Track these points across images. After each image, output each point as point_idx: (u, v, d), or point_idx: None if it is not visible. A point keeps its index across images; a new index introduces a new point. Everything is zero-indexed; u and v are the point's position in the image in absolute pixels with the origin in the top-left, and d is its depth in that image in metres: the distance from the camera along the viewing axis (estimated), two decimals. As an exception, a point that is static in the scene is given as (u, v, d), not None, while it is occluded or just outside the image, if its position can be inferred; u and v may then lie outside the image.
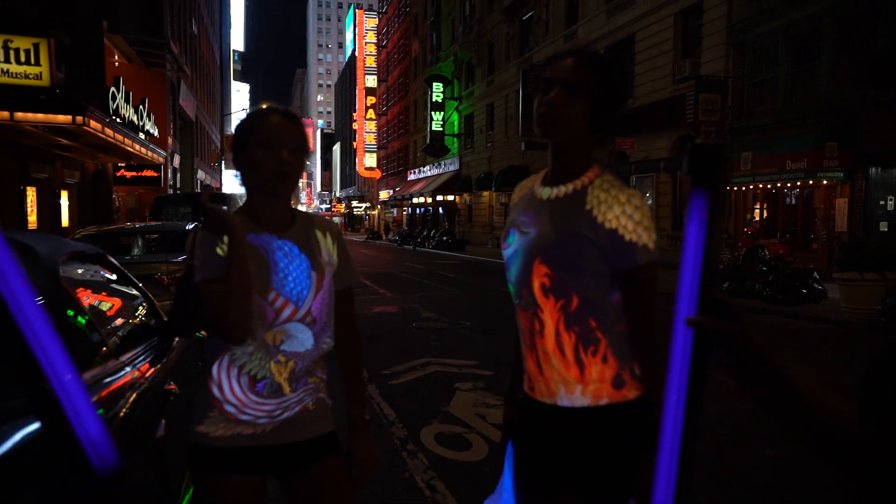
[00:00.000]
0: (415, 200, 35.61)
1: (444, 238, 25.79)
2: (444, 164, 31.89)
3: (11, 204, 10.70)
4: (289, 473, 1.32)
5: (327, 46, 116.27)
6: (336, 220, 64.34)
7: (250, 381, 1.25)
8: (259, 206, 1.31)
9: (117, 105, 13.40)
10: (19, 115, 8.48)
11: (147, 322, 2.26)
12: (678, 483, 0.73)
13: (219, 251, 1.25)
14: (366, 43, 50.46)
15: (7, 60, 8.72)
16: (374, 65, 50.51)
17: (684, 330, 0.71)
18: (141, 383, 1.71)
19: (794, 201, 12.63)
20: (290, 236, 1.32)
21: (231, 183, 42.28)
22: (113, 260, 2.28)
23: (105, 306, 2.13)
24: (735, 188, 12.90)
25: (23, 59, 8.79)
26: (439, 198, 31.39)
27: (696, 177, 0.71)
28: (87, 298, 1.91)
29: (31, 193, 11.74)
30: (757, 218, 13.23)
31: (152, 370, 1.86)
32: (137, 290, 2.37)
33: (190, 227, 5.63)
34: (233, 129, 1.43)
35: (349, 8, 70.75)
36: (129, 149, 12.68)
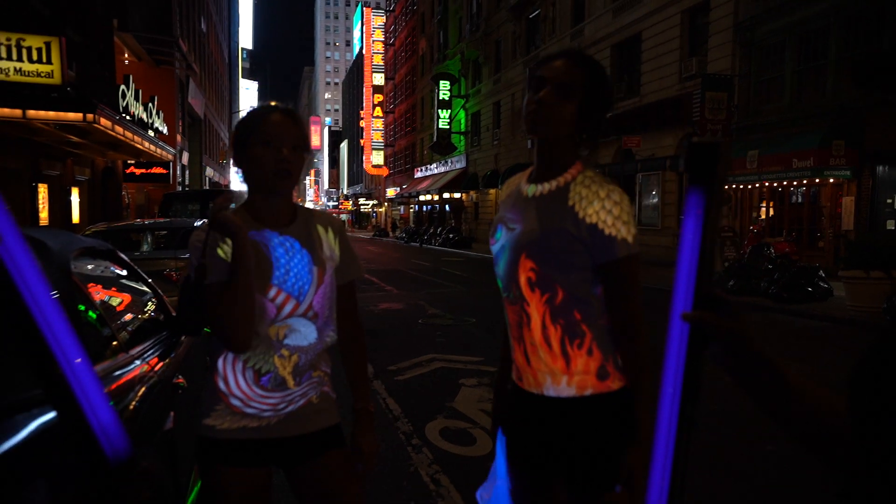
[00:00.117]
0: (421, 198, 35.61)
1: (451, 235, 25.77)
2: (451, 162, 31.86)
3: (23, 200, 10.83)
4: (294, 466, 1.33)
5: (335, 44, 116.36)
6: (343, 217, 64.51)
7: (255, 375, 1.27)
8: (260, 203, 1.32)
9: (127, 103, 13.52)
10: (31, 112, 8.58)
11: (156, 317, 2.29)
12: (673, 474, 0.73)
13: (220, 252, 1.26)
14: (373, 41, 50.47)
15: (20, 59, 8.82)
16: (381, 63, 50.51)
17: (680, 325, 0.71)
18: (150, 377, 1.73)
19: (800, 200, 12.55)
20: (292, 232, 1.33)
21: (238, 180, 42.37)
22: (123, 256, 2.32)
23: (115, 301, 2.16)
24: (741, 186, 12.82)
25: (35, 57, 8.89)
26: (446, 195, 31.36)
27: (693, 174, 0.72)
28: (97, 293, 1.95)
29: (42, 190, 11.87)
30: (763, 216, 13.15)
31: (161, 364, 1.89)
32: (147, 286, 2.40)
33: (198, 223, 5.68)
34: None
35: (357, 6, 70.76)
36: (138, 146, 12.79)
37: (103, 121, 9.45)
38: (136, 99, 14.38)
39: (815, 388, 0.68)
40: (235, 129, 1.33)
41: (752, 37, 12.92)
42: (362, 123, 55.30)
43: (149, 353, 1.88)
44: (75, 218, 13.80)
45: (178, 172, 22.10)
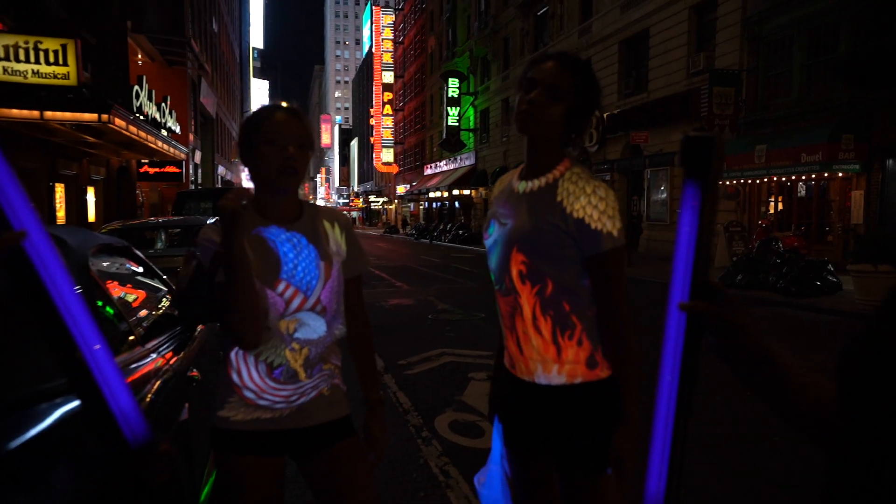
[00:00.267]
0: (431, 195, 35.61)
1: (460, 232, 25.79)
2: (460, 159, 31.83)
3: (41, 200, 11.03)
4: (306, 455, 1.36)
5: (345, 43, 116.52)
6: (354, 214, 64.60)
7: (268, 368, 1.29)
8: (267, 200, 1.34)
9: (140, 103, 13.67)
10: (48, 114, 8.75)
11: (170, 312, 2.35)
12: (671, 459, 0.75)
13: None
14: (382, 39, 50.47)
15: (37, 61, 8.98)
16: (390, 61, 50.51)
17: (678, 314, 0.73)
18: (165, 370, 1.76)
19: (809, 194, 12.44)
20: (298, 228, 1.35)
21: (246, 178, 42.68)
22: (138, 252, 2.38)
23: (131, 297, 2.21)
24: (749, 181, 12.73)
25: (51, 59, 9.04)
26: (455, 192, 31.34)
27: (689, 168, 0.73)
28: (114, 289, 2.00)
29: (59, 190, 12.09)
30: (771, 211, 13.04)
31: (176, 358, 1.92)
32: (161, 282, 2.46)
33: (211, 221, 5.74)
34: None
35: (366, 5, 70.78)
36: (151, 145, 12.94)
37: (118, 121, 9.59)
38: (150, 99, 14.54)
39: (808, 375, 0.69)
40: (241, 128, 1.35)
41: (760, 32, 12.82)
42: (372, 121, 55.40)
43: (164, 346, 1.91)
44: (91, 217, 14.01)
45: (191, 171, 22.30)
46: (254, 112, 1.36)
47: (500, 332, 1.43)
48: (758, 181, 12.71)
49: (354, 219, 62.23)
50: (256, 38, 62.52)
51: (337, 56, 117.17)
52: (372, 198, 62.01)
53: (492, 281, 1.41)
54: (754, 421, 3.54)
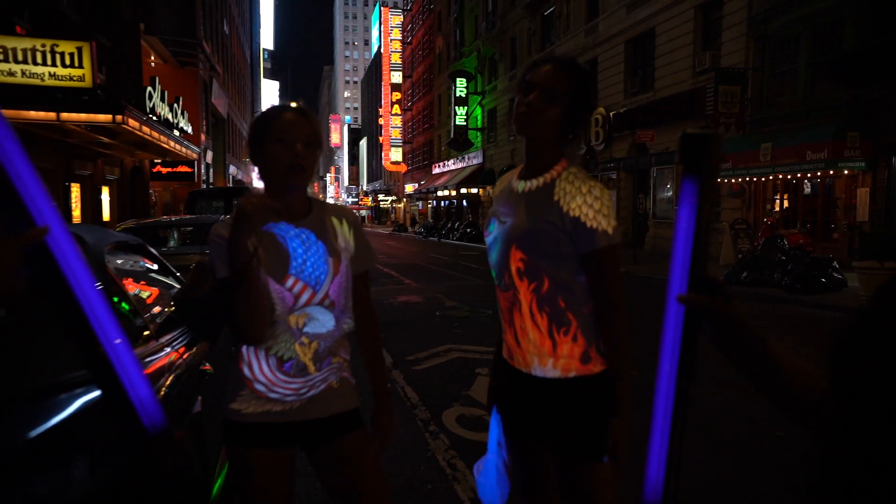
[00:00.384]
0: (439, 193, 35.63)
1: (468, 230, 25.77)
2: (468, 158, 31.82)
3: (57, 199, 11.16)
4: (316, 447, 1.39)
5: (354, 44, 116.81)
6: (363, 213, 64.71)
7: (278, 362, 1.32)
8: (276, 198, 1.35)
9: (153, 104, 13.83)
10: (65, 115, 8.91)
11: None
12: (670, 449, 0.77)
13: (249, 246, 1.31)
14: (391, 40, 50.51)
15: (53, 64, 9.15)
16: (399, 61, 50.54)
17: (676, 306, 0.75)
18: (179, 364, 1.79)
19: (814, 191, 12.35)
20: (307, 224, 1.37)
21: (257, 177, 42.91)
22: (152, 250, 2.44)
23: (145, 293, 2.27)
24: (755, 179, 12.68)
25: (67, 62, 9.21)
26: (463, 190, 31.34)
27: (687, 165, 0.75)
28: (130, 285, 2.06)
29: (75, 189, 12.28)
30: (777, 208, 12.97)
31: (189, 352, 1.96)
32: (174, 279, 2.52)
33: (222, 218, 5.81)
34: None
35: (375, 6, 70.90)
36: (164, 145, 13.10)
37: (131, 121, 9.74)
38: (162, 100, 14.70)
39: (799, 362, 0.71)
40: (251, 128, 1.38)
41: (765, 30, 12.75)
42: (381, 121, 55.46)
43: (177, 341, 1.95)
44: (106, 216, 14.19)
45: (203, 171, 22.50)
46: (263, 112, 1.39)
47: (499, 326, 1.48)
48: (763, 179, 12.65)
49: (363, 217, 62.42)
50: (267, 40, 62.92)
51: (346, 57, 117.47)
52: (381, 196, 62.12)
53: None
54: (757, 418, 3.54)
